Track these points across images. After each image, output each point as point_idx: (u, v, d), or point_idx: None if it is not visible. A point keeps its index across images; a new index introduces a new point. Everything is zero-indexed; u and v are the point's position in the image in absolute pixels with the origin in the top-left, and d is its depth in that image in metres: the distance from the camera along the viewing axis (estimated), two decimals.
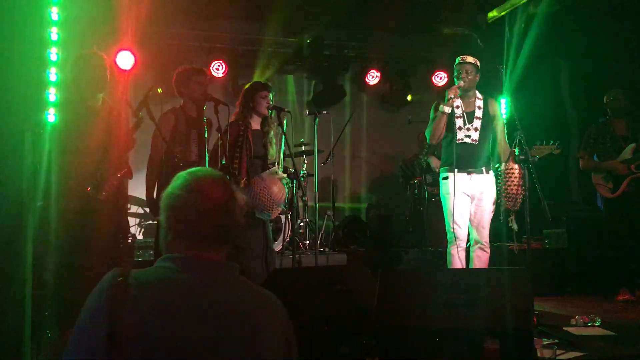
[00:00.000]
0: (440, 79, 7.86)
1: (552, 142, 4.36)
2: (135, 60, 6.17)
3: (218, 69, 7.09)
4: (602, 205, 5.37)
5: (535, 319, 3.90)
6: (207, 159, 4.08)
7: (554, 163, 5.00)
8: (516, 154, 4.18)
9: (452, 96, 4.40)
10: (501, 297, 2.80)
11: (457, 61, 4.57)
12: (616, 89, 5.40)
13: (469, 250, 4.54)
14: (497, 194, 4.40)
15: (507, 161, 4.28)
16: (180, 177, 1.54)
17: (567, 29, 6.49)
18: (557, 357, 3.03)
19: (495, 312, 2.78)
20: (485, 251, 4.48)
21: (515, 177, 4.18)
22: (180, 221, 1.49)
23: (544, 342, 3.37)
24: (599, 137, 5.35)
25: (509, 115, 5.63)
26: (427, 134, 4.61)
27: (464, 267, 4.43)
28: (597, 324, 4.02)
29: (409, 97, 7.95)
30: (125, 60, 6.10)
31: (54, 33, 4.23)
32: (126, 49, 6.08)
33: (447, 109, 4.42)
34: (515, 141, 4.31)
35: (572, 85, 7.81)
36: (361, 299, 3.35)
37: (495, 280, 2.88)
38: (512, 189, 4.19)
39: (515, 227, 4.38)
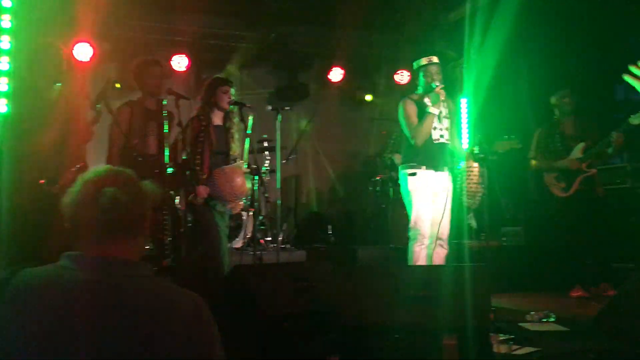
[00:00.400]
0: (402, 77, 7.91)
1: (513, 137, 4.45)
2: (94, 52, 6.02)
3: (180, 62, 6.97)
4: (555, 204, 5.47)
5: (492, 315, 3.97)
6: (166, 152, 4.03)
7: (513, 161, 5.09)
8: (475, 152, 4.25)
9: (443, 99, 4.47)
10: (460, 294, 2.83)
11: (422, 62, 4.62)
12: (564, 90, 5.49)
13: (428, 248, 4.60)
14: (457, 191, 4.47)
15: (466, 159, 4.35)
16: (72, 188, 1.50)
17: (527, 30, 6.62)
18: (513, 353, 3.09)
19: (453, 309, 2.81)
20: (445, 248, 4.55)
21: (475, 175, 4.26)
22: (71, 219, 1.46)
23: (500, 338, 3.42)
24: (548, 138, 5.44)
25: (469, 114, 5.72)
26: (414, 136, 4.54)
27: (425, 262, 4.49)
28: (552, 319, 4.11)
29: (369, 97, 7.98)
30: (84, 52, 5.94)
31: (5, 21, 4.09)
32: (84, 41, 5.93)
33: (436, 111, 4.48)
34: (475, 140, 4.38)
35: (531, 85, 7.98)
36: (323, 296, 3.35)
37: (454, 277, 2.91)
38: (471, 187, 4.27)
39: (474, 224, 4.46)
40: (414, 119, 4.55)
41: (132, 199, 1.46)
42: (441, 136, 4.55)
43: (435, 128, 4.53)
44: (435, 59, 4.58)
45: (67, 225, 1.48)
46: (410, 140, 4.57)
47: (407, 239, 4.60)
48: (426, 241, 4.51)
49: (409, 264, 4.53)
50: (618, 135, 4.86)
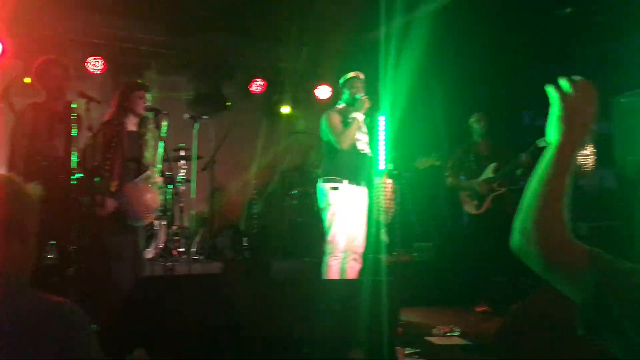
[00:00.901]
0: (323, 92, 7.99)
1: (433, 155, 4.62)
2: (3, 49, 5.71)
3: (95, 65, 6.73)
4: (467, 221, 5.71)
5: (400, 329, 4.07)
6: (74, 158, 3.84)
7: (426, 179, 5.26)
8: (390, 169, 4.35)
9: (368, 106, 4.56)
10: (369, 308, 2.88)
11: (349, 76, 4.75)
12: (479, 112, 5.77)
13: (342, 262, 4.64)
14: (372, 206, 4.55)
15: (381, 176, 4.44)
16: None
17: (440, 54, 6.89)
18: None
19: (362, 323, 2.86)
20: (359, 262, 4.61)
21: (389, 191, 4.34)
22: None
23: (407, 352, 3.51)
24: (464, 157, 5.69)
25: (386, 132, 5.85)
26: (340, 141, 4.56)
27: (339, 275, 4.53)
28: (456, 333, 4.26)
29: (287, 109, 8.01)
30: None
31: None
32: None
33: (361, 116, 4.55)
34: (391, 157, 4.49)
35: (445, 106, 8.29)
36: (235, 308, 3.31)
37: (362, 291, 2.95)
38: (384, 203, 4.35)
39: (386, 239, 4.55)
40: (339, 127, 4.61)
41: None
42: (363, 148, 4.64)
43: (359, 139, 4.60)
44: (362, 75, 4.70)
45: None
46: (336, 145, 4.57)
47: (322, 252, 4.63)
48: (341, 255, 4.55)
49: (322, 277, 4.55)
50: (527, 157, 5.14)
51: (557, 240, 1.15)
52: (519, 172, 5.27)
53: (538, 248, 1.16)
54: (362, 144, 4.62)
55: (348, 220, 4.55)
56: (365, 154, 4.62)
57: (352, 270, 4.59)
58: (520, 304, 3.56)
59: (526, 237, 1.17)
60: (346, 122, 4.57)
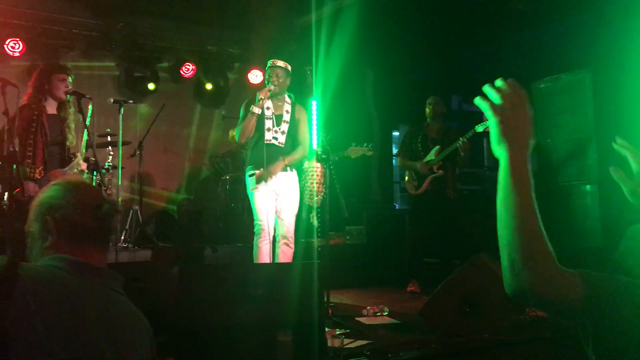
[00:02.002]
0: (255, 76, 7.94)
1: (365, 144, 4.68)
2: None
3: (14, 47, 6.42)
4: (407, 202, 5.80)
5: (330, 311, 4.14)
6: None
7: (356, 164, 5.32)
8: (318, 153, 4.37)
9: (262, 97, 4.49)
10: (294, 291, 2.90)
11: (268, 64, 4.67)
12: (435, 96, 5.83)
13: (275, 245, 4.66)
14: (302, 190, 4.57)
15: (309, 160, 4.46)
16: (53, 185, 1.57)
17: (372, 38, 6.97)
18: (345, 346, 3.22)
19: (288, 305, 2.88)
20: (290, 247, 4.63)
21: (317, 175, 4.37)
22: (64, 220, 1.48)
23: (336, 332, 3.56)
24: (412, 139, 5.79)
25: (318, 117, 5.88)
26: (236, 132, 4.66)
27: (270, 259, 4.54)
28: (385, 313, 4.36)
29: (209, 87, 7.87)
30: None
31: None
32: None
33: (257, 110, 4.50)
34: (318, 141, 4.51)
35: (376, 92, 8.42)
36: (159, 296, 3.27)
37: (288, 275, 2.97)
38: (312, 186, 4.38)
39: (316, 222, 4.59)
40: (243, 118, 4.62)
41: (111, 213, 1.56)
42: (274, 138, 4.59)
43: (269, 129, 4.58)
44: (279, 62, 4.63)
45: (52, 229, 1.48)
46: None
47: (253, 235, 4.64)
48: (268, 237, 4.55)
49: (253, 259, 4.56)
50: (464, 141, 5.27)
51: (549, 276, 1.12)
52: (462, 154, 5.39)
53: (533, 289, 1.12)
54: (272, 135, 4.58)
55: (269, 203, 4.55)
56: (273, 145, 4.58)
57: (284, 254, 4.60)
58: (443, 284, 3.69)
59: (520, 282, 1.12)
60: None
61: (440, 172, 5.50)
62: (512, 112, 1.20)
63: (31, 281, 1.32)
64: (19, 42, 6.42)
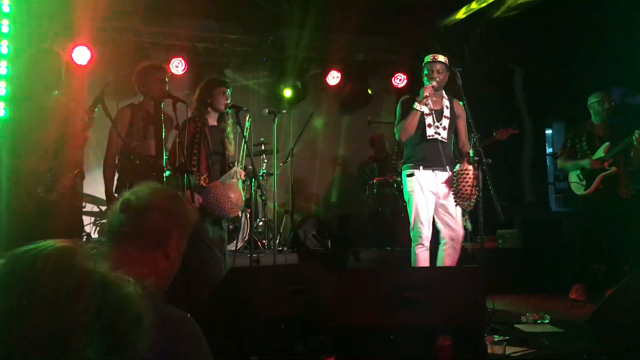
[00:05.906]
0: (400, 80, 7.94)
1: (512, 124, 4.52)
2: (92, 56, 6.07)
3: (177, 66, 7.01)
4: (573, 204, 5.42)
5: (487, 317, 4.01)
6: (165, 157, 4.04)
7: (508, 165, 5.13)
8: (470, 155, 4.25)
9: (428, 94, 4.43)
10: (454, 295, 2.85)
11: (427, 59, 4.58)
12: (602, 92, 5.42)
13: (437, 249, 4.55)
14: (453, 194, 4.45)
15: (461, 162, 4.35)
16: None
17: (523, 35, 6.67)
18: (507, 354, 3.11)
19: (448, 310, 2.84)
20: (457, 249, 4.48)
21: (470, 178, 4.24)
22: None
23: (495, 339, 3.45)
24: (575, 138, 5.46)
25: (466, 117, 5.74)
26: (397, 131, 4.61)
27: (427, 265, 4.44)
28: (546, 321, 4.14)
29: (369, 91, 7.98)
30: (81, 55, 5.99)
31: (4, 25, 4.12)
32: (82, 44, 5.97)
33: (423, 107, 4.46)
34: (470, 143, 4.39)
35: (526, 90, 8.03)
36: (317, 297, 3.36)
37: (448, 279, 2.93)
38: (466, 190, 4.26)
39: (469, 226, 4.46)
40: (400, 117, 4.58)
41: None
42: (437, 134, 4.50)
43: (430, 125, 4.50)
44: (440, 57, 4.53)
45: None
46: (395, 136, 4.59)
47: (409, 240, 4.58)
48: (426, 242, 4.47)
49: (412, 265, 4.50)
50: (637, 138, 4.85)
51: None
52: (631, 155, 5.00)
53: None
54: (434, 130, 4.50)
55: (425, 206, 4.44)
56: (435, 140, 4.48)
57: (450, 257, 4.45)
58: (615, 290, 3.42)
59: None
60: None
61: (614, 168, 5.10)
62: None
63: None
64: (182, 61, 7.00)
